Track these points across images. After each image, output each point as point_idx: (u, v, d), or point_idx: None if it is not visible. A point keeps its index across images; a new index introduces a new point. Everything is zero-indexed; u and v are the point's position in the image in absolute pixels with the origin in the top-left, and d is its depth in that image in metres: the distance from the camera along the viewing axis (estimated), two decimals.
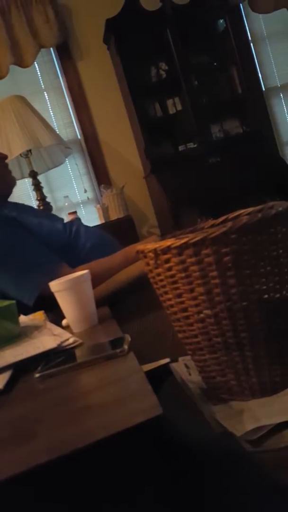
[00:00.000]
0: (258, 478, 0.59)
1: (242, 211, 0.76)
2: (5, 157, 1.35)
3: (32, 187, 2.74)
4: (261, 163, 2.82)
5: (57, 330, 0.80)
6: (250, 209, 0.75)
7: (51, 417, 0.51)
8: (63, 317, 0.88)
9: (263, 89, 3.34)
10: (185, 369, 0.83)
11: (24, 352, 0.70)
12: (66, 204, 2.79)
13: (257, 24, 3.32)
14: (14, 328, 0.82)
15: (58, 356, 0.67)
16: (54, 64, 3.12)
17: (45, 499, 0.44)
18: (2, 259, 1.13)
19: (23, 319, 0.92)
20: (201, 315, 0.69)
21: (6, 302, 0.82)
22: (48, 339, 0.75)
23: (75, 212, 2.70)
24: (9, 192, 1.35)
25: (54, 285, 0.84)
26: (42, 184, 2.75)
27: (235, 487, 0.60)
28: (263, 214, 0.66)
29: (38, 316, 0.93)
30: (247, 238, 0.66)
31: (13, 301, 0.83)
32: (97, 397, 0.53)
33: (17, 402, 0.58)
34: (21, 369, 0.67)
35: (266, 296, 0.68)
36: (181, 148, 2.99)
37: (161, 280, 0.72)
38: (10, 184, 1.35)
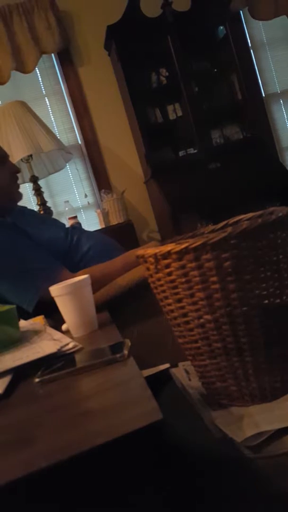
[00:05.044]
0: (257, 484, 0.59)
1: (242, 216, 0.77)
2: (18, 171, 1.34)
3: (33, 192, 2.75)
4: (261, 169, 2.83)
5: (57, 334, 0.80)
6: (250, 215, 0.75)
7: (50, 422, 0.50)
8: (63, 322, 0.88)
9: (263, 95, 3.36)
10: (185, 375, 0.83)
11: (24, 356, 0.70)
12: (67, 209, 2.79)
13: (257, 31, 3.35)
14: (14, 333, 0.81)
15: (58, 361, 0.67)
16: (55, 70, 3.14)
17: (44, 504, 0.43)
18: (2, 264, 1.13)
19: (23, 323, 0.92)
20: (201, 320, 0.69)
21: (6, 307, 0.82)
22: (48, 343, 0.75)
23: (75, 217, 2.71)
24: (14, 206, 1.34)
25: (54, 290, 0.84)
26: (42, 189, 2.76)
27: (235, 493, 0.60)
28: (263, 220, 0.66)
29: (38, 321, 0.93)
30: (247, 243, 0.66)
31: (13, 306, 0.83)
32: (97, 402, 0.53)
33: (17, 406, 0.58)
34: (21, 373, 0.67)
35: (266, 301, 0.68)
36: (181, 153, 3.00)
37: (161, 285, 0.72)
38: (16, 199, 1.33)
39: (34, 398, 0.60)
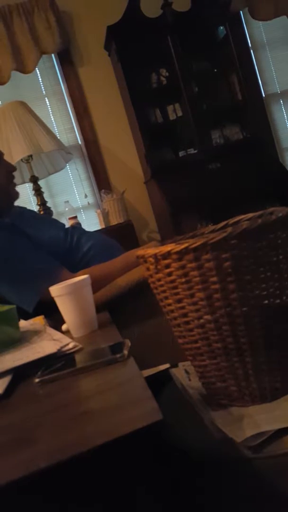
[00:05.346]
0: (258, 485, 0.59)
1: (242, 216, 0.76)
2: (14, 169, 1.33)
3: (33, 192, 2.75)
4: (261, 169, 2.83)
5: (57, 335, 0.80)
6: (250, 215, 0.75)
7: (50, 422, 0.50)
8: (63, 322, 0.88)
9: (263, 95, 3.36)
10: (185, 375, 0.83)
11: (24, 357, 0.70)
12: (67, 209, 2.79)
13: (257, 31, 3.35)
14: (14, 333, 0.82)
15: (58, 361, 0.67)
16: (55, 70, 3.14)
17: (43, 504, 0.43)
18: (2, 265, 1.13)
19: (23, 324, 0.92)
20: (201, 321, 0.69)
21: (6, 307, 0.82)
22: (48, 344, 0.75)
23: (75, 217, 2.71)
24: (11, 206, 1.34)
25: (55, 290, 0.84)
26: (42, 189, 2.76)
27: (235, 493, 0.60)
28: (263, 220, 0.66)
29: (38, 321, 0.93)
30: (247, 243, 0.66)
31: (13, 306, 0.83)
32: (97, 402, 0.53)
33: (17, 407, 0.58)
34: (21, 374, 0.67)
35: (266, 301, 0.68)
36: (181, 154, 3.00)
37: (161, 285, 0.72)
38: (13, 197, 1.32)
39: (34, 398, 0.60)
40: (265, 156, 2.99)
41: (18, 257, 1.15)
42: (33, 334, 0.83)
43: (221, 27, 3.04)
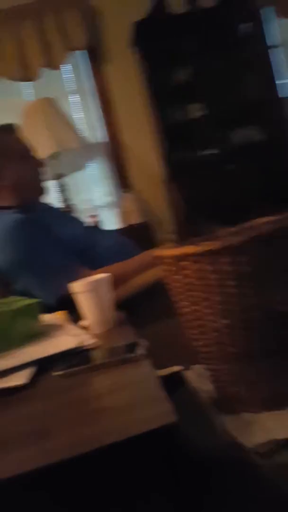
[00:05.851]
0: (266, 491, 0.59)
1: (261, 219, 0.76)
2: (41, 165, 1.34)
3: (57, 189, 2.78)
4: (281, 171, 2.79)
5: (76, 330, 0.82)
6: (269, 218, 0.75)
7: (66, 416, 0.52)
8: (82, 318, 0.89)
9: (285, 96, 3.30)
10: (198, 378, 0.83)
11: (44, 350, 0.71)
12: (87, 207, 2.81)
13: (284, 29, 3.29)
14: (36, 327, 0.83)
15: (76, 356, 0.68)
16: (84, 66, 3.16)
17: (52, 499, 0.44)
18: (27, 260, 1.15)
19: (44, 318, 0.94)
20: (216, 324, 0.70)
21: (28, 301, 0.84)
22: (67, 338, 0.76)
23: (95, 216, 2.73)
24: (37, 201, 1.35)
25: (77, 286, 0.85)
26: (65, 187, 2.79)
27: (243, 499, 0.60)
28: (282, 224, 0.66)
29: (60, 316, 0.95)
30: (265, 247, 0.66)
31: (36, 300, 0.84)
32: (112, 399, 0.54)
33: (34, 399, 0.60)
34: (40, 367, 0.68)
35: (282, 307, 0.68)
36: (201, 154, 2.98)
37: (178, 287, 0.73)
38: (40, 192, 1.34)
39: (50, 392, 0.61)
40: (285, 157, 2.95)
41: (42, 252, 1.17)
42: (54, 328, 0.85)
43: (245, 26, 3.00)
